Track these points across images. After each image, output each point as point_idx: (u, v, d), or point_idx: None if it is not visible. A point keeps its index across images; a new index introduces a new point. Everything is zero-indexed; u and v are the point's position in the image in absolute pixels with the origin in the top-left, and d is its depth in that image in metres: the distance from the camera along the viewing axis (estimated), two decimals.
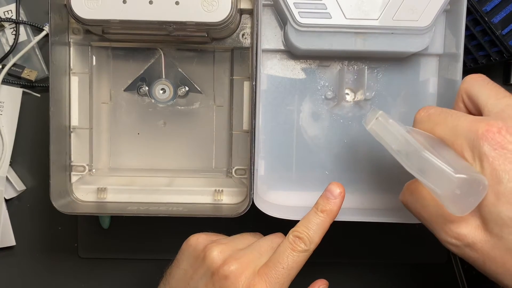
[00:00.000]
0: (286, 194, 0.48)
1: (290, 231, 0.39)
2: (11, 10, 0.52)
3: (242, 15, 0.47)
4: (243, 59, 0.48)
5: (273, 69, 0.47)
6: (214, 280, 0.37)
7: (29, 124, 0.53)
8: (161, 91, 0.49)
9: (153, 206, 0.47)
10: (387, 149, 0.35)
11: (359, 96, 0.47)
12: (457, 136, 0.32)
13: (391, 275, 0.55)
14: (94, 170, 0.50)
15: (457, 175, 0.30)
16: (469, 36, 0.47)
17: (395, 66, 0.47)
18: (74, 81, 0.48)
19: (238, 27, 0.47)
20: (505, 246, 0.30)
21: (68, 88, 0.48)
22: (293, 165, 0.48)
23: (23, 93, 0.53)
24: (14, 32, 0.52)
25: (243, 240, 0.41)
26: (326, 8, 0.42)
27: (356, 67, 0.47)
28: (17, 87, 0.52)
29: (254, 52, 0.43)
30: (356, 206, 0.48)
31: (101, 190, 0.48)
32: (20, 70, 0.52)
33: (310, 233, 0.38)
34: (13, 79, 0.52)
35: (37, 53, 0.53)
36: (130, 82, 0.50)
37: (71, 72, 0.48)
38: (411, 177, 0.35)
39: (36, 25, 0.52)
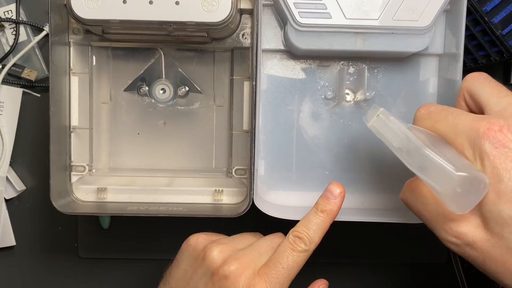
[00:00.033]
0: (286, 194, 0.48)
1: (290, 231, 0.39)
2: (11, 10, 0.52)
3: (242, 15, 0.47)
4: (243, 59, 0.48)
5: (273, 69, 0.47)
6: (214, 280, 0.37)
7: (29, 124, 0.53)
8: (161, 91, 0.49)
9: (153, 206, 0.47)
10: (388, 146, 0.35)
11: (359, 96, 0.47)
12: (458, 134, 0.32)
13: (391, 275, 0.55)
14: (94, 170, 0.50)
15: (458, 173, 0.30)
16: (469, 36, 0.47)
17: (395, 66, 0.47)
18: (74, 81, 0.48)
19: (238, 27, 0.47)
20: (506, 245, 0.30)
21: (68, 88, 0.48)
22: (293, 165, 0.48)
23: (23, 93, 0.53)
24: (14, 32, 0.52)
25: (243, 240, 0.41)
26: (326, 8, 0.42)
27: (356, 67, 0.47)
28: (17, 87, 0.52)
29: (254, 52, 0.43)
30: (356, 206, 0.48)
31: (101, 190, 0.48)
32: (20, 70, 0.52)
33: (310, 233, 0.38)
34: (13, 79, 0.52)
35: (37, 53, 0.53)
36: (130, 82, 0.50)
37: (71, 72, 0.48)
38: (411, 176, 0.35)
39: (36, 25, 0.52)
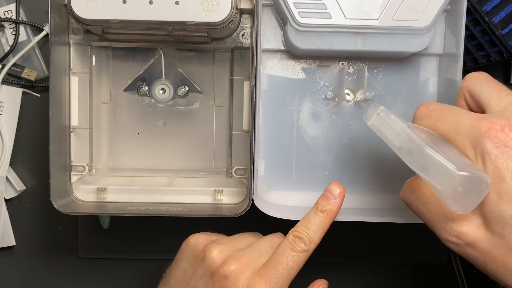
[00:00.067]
0: (286, 194, 0.48)
1: (290, 231, 0.39)
2: (11, 10, 0.52)
3: (242, 15, 0.47)
4: (243, 59, 0.48)
5: (273, 69, 0.47)
6: (214, 280, 0.37)
7: (29, 124, 0.53)
8: (161, 91, 0.49)
9: (153, 206, 0.47)
10: (388, 145, 0.35)
11: (359, 96, 0.47)
12: (459, 133, 0.32)
13: (391, 275, 0.55)
14: (94, 170, 0.50)
15: (460, 172, 0.30)
16: (469, 36, 0.47)
17: (395, 66, 0.47)
18: (74, 81, 0.48)
19: (238, 27, 0.47)
20: (507, 245, 0.30)
21: (68, 88, 0.48)
22: (293, 165, 0.48)
23: (23, 93, 0.53)
24: (14, 32, 0.52)
25: (243, 240, 0.41)
26: (326, 8, 0.42)
27: (356, 67, 0.47)
28: (17, 87, 0.52)
29: (254, 52, 0.43)
30: (356, 206, 0.48)
31: (101, 190, 0.48)
32: (20, 70, 0.52)
33: (310, 233, 0.38)
34: (13, 79, 0.52)
35: (37, 53, 0.53)
36: (130, 82, 0.50)
37: (71, 72, 0.48)
38: (412, 175, 0.35)
39: (36, 25, 0.52)
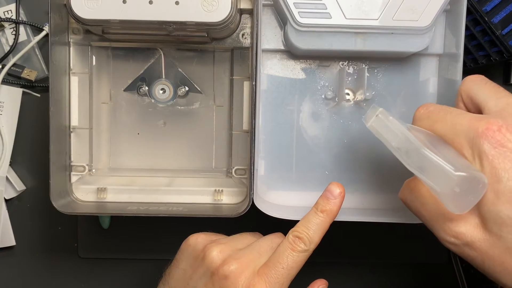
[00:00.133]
0: (286, 194, 0.48)
1: (290, 231, 0.39)
2: (11, 10, 0.52)
3: (242, 15, 0.47)
4: (243, 59, 0.48)
5: (273, 69, 0.47)
6: (214, 280, 0.37)
7: (29, 124, 0.53)
8: (161, 91, 0.49)
9: (153, 206, 0.47)
10: (387, 146, 0.35)
11: (359, 96, 0.47)
12: (457, 134, 0.32)
13: (391, 275, 0.55)
14: (94, 170, 0.50)
15: (457, 173, 0.30)
16: (469, 36, 0.47)
17: (395, 66, 0.47)
18: (74, 81, 0.48)
19: (238, 27, 0.47)
20: (504, 245, 0.30)
21: (68, 88, 0.48)
22: (293, 165, 0.48)
23: (23, 93, 0.53)
24: (14, 32, 0.52)
25: (243, 240, 0.41)
26: (326, 8, 0.42)
27: (356, 67, 0.47)
28: (17, 87, 0.53)
29: (254, 52, 0.43)
30: (356, 206, 0.48)
31: (101, 190, 0.48)
32: (20, 70, 0.52)
33: (310, 233, 0.38)
34: (13, 79, 0.52)
35: (37, 53, 0.53)
36: (130, 82, 0.50)
37: (71, 72, 0.48)
38: (411, 176, 0.35)
39: (36, 25, 0.52)
